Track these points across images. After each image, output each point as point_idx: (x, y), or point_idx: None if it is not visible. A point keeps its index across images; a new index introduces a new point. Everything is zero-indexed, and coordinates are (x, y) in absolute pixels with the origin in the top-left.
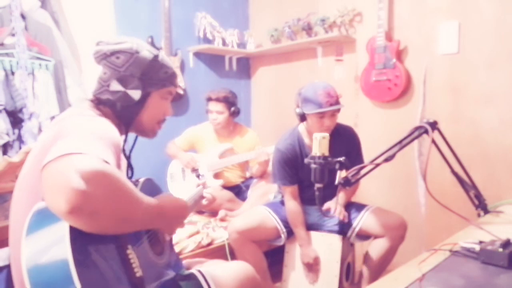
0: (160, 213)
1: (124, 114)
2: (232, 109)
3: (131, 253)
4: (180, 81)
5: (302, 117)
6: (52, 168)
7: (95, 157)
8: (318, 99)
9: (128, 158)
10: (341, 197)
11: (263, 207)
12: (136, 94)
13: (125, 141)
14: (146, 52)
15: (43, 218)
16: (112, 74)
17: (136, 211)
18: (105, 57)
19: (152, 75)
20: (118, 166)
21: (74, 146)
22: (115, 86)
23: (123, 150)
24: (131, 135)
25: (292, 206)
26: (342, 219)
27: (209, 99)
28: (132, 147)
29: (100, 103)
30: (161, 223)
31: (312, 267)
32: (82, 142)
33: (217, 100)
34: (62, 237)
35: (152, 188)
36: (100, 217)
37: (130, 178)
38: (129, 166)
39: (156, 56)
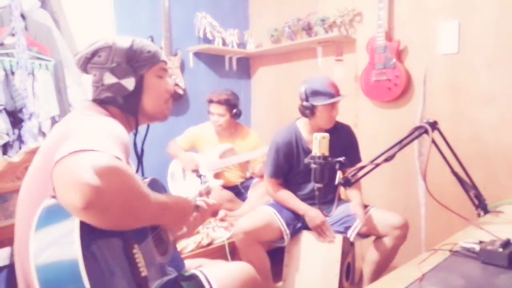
0: (166, 209)
1: (128, 106)
2: (234, 111)
3: (137, 252)
4: (180, 81)
5: (311, 112)
6: (65, 164)
7: (108, 154)
8: (328, 90)
9: (141, 151)
10: (356, 196)
11: (268, 207)
12: (130, 81)
13: (135, 134)
14: (122, 41)
15: (52, 215)
16: (101, 72)
17: (146, 207)
18: (88, 61)
19: (137, 58)
20: (127, 164)
21: (86, 143)
22: (108, 80)
23: (135, 144)
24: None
25: (283, 192)
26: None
27: (211, 101)
28: (144, 138)
29: (103, 103)
30: (167, 219)
31: (321, 228)
32: (93, 139)
33: (219, 102)
34: (72, 235)
35: (157, 188)
36: (113, 213)
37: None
38: (139, 162)
39: (133, 41)
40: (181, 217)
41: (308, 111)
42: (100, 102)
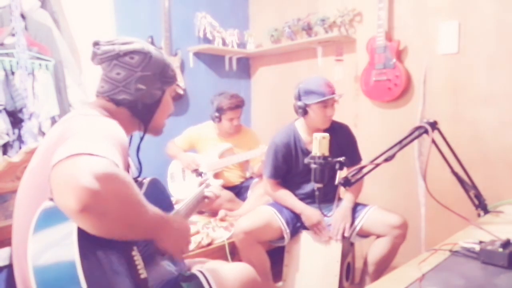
0: (164, 225)
1: (143, 113)
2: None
3: (136, 254)
4: (180, 81)
5: (304, 111)
6: (62, 167)
7: (107, 159)
8: (321, 89)
9: (136, 156)
10: (348, 199)
11: (268, 207)
12: (158, 93)
13: (142, 138)
14: (156, 52)
15: (51, 217)
16: (128, 74)
17: (142, 218)
18: (116, 57)
19: (165, 74)
20: (125, 166)
21: (84, 146)
22: (137, 85)
23: (138, 148)
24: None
25: (282, 191)
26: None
27: (232, 108)
28: (139, 145)
29: (115, 104)
30: (164, 235)
31: (317, 227)
32: (92, 142)
33: (242, 106)
34: (70, 237)
35: (157, 188)
36: (108, 220)
37: (137, 177)
38: (139, 164)
39: (163, 55)
40: (179, 237)
41: (301, 110)
42: (112, 100)
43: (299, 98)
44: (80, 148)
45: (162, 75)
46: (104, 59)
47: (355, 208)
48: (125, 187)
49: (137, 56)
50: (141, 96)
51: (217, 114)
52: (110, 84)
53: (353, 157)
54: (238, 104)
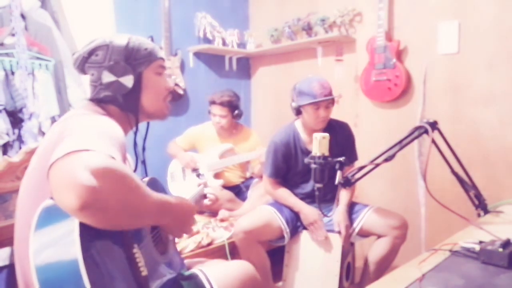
0: (168, 209)
1: (128, 104)
2: (235, 112)
3: (137, 252)
4: (180, 81)
5: (298, 111)
6: (60, 165)
7: (103, 154)
8: (313, 91)
9: (143, 149)
10: (344, 196)
11: (268, 206)
12: (129, 79)
13: (135, 132)
14: (119, 39)
15: (52, 215)
16: (99, 71)
17: (146, 205)
18: (85, 60)
19: (135, 56)
20: (124, 163)
21: (81, 143)
22: (107, 78)
23: (135, 143)
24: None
25: (281, 190)
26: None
27: (213, 103)
28: (145, 136)
29: (102, 103)
30: (168, 220)
31: (314, 225)
32: (88, 139)
33: (221, 104)
34: (72, 235)
35: (156, 187)
36: (111, 212)
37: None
38: (138, 160)
39: (129, 38)
40: (183, 221)
41: (295, 111)
42: (99, 101)
43: (293, 98)
44: (76, 145)
45: (130, 58)
46: (79, 67)
47: (355, 208)
48: (123, 179)
49: (100, 51)
50: (116, 88)
51: (209, 108)
52: (92, 87)
53: (350, 155)
54: (220, 101)
